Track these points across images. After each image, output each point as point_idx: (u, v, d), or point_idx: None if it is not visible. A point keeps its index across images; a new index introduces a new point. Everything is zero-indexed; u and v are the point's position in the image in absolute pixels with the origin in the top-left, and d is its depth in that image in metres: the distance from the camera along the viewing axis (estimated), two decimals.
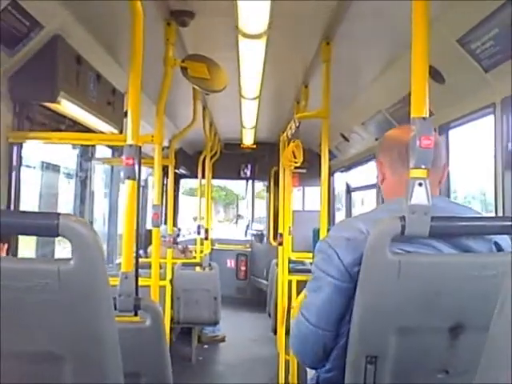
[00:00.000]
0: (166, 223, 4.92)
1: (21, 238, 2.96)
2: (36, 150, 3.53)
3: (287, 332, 3.93)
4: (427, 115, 1.25)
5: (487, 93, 2.52)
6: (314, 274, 1.44)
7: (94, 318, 1.13)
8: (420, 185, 1.23)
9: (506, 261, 1.22)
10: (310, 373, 1.64)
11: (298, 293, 3.52)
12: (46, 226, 1.10)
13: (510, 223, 1.32)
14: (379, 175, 1.56)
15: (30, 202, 3.68)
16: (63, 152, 4.12)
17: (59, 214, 1.09)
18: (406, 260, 1.25)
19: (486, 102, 2.55)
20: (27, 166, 3.18)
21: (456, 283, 1.26)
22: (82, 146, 4.11)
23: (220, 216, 17.03)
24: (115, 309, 1.61)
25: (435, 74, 2.73)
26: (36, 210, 3.86)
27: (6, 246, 2.23)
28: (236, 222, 11.79)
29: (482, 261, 1.27)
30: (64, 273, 1.08)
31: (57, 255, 3.94)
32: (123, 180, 1.87)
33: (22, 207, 2.99)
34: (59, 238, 1.11)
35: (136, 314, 1.66)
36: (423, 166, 1.23)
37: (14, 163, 2.80)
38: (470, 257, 1.32)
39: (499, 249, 1.36)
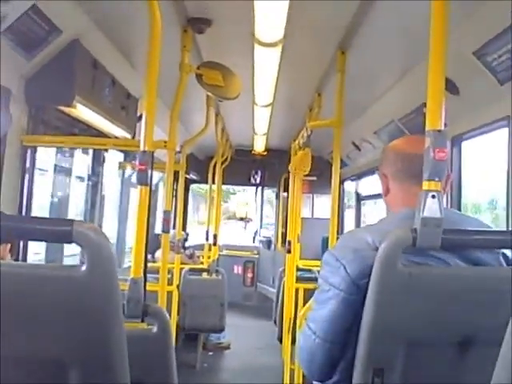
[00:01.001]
0: (174, 228, 4.92)
1: None
2: (49, 153, 3.55)
3: (293, 341, 3.91)
4: (442, 128, 1.25)
5: (502, 105, 2.51)
6: (320, 286, 1.42)
7: (104, 326, 1.13)
8: (433, 197, 1.23)
9: None
10: None
11: (305, 301, 3.51)
12: (59, 232, 1.10)
13: None
14: (383, 187, 1.55)
15: (41, 204, 3.70)
16: (76, 156, 4.15)
17: (73, 221, 1.10)
18: (416, 272, 1.24)
19: (501, 114, 2.54)
20: (40, 169, 3.20)
21: (466, 296, 1.25)
22: (95, 150, 4.13)
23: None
24: (124, 314, 1.61)
25: (450, 86, 2.72)
26: (46, 212, 3.88)
27: (8, 245, 2.24)
28: (244, 227, 11.79)
29: (493, 274, 1.27)
30: (75, 280, 1.09)
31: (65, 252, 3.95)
32: (136, 185, 1.88)
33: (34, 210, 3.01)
34: None
35: (143, 320, 1.66)
36: (437, 179, 1.23)
37: (28, 166, 2.83)
38: (481, 270, 1.31)
39: (507, 261, 1.35)
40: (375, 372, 1.28)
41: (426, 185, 1.23)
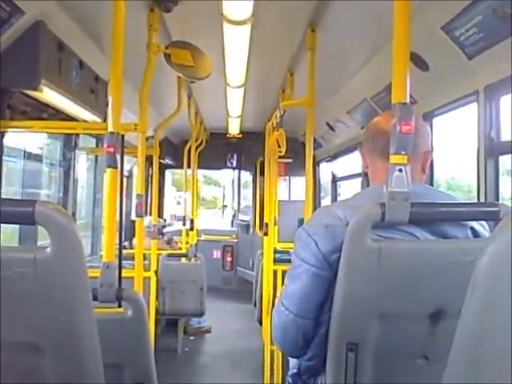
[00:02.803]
0: (150, 214, 4.88)
1: (3, 230, 2.91)
2: (17, 139, 3.47)
3: (272, 318, 3.93)
4: (407, 101, 1.24)
5: (471, 80, 2.53)
6: (293, 262, 1.43)
7: (71, 308, 1.11)
8: (400, 171, 1.23)
9: (485, 247, 1.23)
10: (292, 361, 1.64)
11: (283, 283, 3.52)
12: (21, 213, 1.07)
13: (488, 209, 1.33)
14: (363, 163, 1.56)
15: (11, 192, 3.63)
16: (46, 141, 4.06)
17: (35, 201, 1.07)
18: (386, 247, 1.25)
19: (470, 89, 2.55)
20: (8, 156, 3.13)
21: (436, 269, 1.26)
22: (64, 134, 4.05)
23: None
24: (97, 299, 1.59)
25: (419, 62, 2.73)
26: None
27: None
28: (222, 213, 11.77)
29: (462, 247, 1.27)
30: (40, 261, 1.06)
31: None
32: (105, 169, 1.84)
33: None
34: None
35: (120, 305, 1.65)
36: (403, 152, 1.22)
37: None
38: (450, 243, 1.32)
39: (475, 234, 1.37)
40: (349, 347, 1.29)
41: (392, 158, 1.23)
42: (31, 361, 1.12)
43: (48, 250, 1.06)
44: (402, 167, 1.23)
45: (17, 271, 1.05)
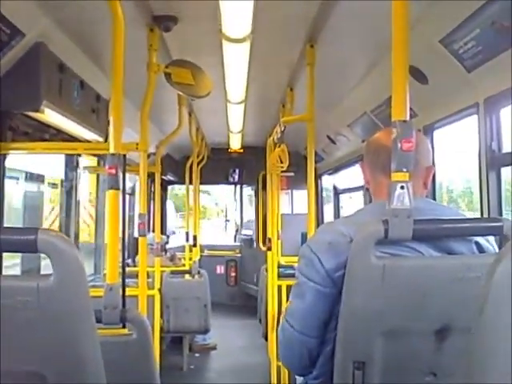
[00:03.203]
0: (153, 231, 4.88)
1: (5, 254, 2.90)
2: (19, 161, 3.48)
3: (277, 336, 3.90)
4: (407, 118, 1.24)
5: (470, 93, 2.53)
6: (297, 279, 1.43)
7: (75, 335, 1.11)
8: (402, 188, 1.22)
9: (490, 262, 1.22)
10: (299, 379, 1.63)
11: (288, 298, 3.50)
12: (23, 242, 1.07)
13: (491, 224, 1.32)
14: (364, 178, 1.56)
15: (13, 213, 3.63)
16: (48, 161, 4.07)
17: (37, 229, 1.07)
18: (390, 264, 1.24)
19: (470, 101, 2.56)
20: (10, 178, 3.13)
21: (441, 286, 1.25)
22: (66, 155, 4.06)
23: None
24: (101, 322, 1.58)
25: (418, 75, 2.74)
26: (20, 220, 3.80)
27: None
28: (225, 228, 11.77)
29: (467, 263, 1.26)
30: (43, 290, 1.06)
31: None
32: (107, 190, 1.84)
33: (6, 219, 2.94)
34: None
35: (124, 326, 1.64)
36: (404, 169, 1.22)
37: None
38: (454, 259, 1.31)
39: (480, 249, 1.36)
40: (355, 365, 1.28)
41: (394, 176, 1.23)
42: None
43: (51, 278, 1.06)
44: (404, 184, 1.22)
45: (20, 300, 1.05)
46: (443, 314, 1.26)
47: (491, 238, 1.40)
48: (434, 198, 3.15)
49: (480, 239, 1.36)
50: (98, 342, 1.14)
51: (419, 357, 1.30)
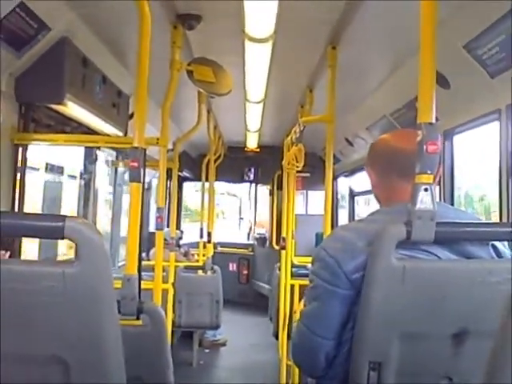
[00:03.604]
0: (168, 226, 4.92)
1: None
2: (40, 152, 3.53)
3: (289, 337, 3.91)
4: (434, 121, 1.25)
5: (493, 99, 2.52)
6: (313, 282, 1.41)
7: (98, 322, 1.13)
8: (426, 190, 1.23)
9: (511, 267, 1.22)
10: (311, 381, 1.63)
11: (301, 297, 3.51)
12: (51, 228, 1.09)
13: None
14: (371, 182, 1.56)
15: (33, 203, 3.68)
16: (68, 153, 4.12)
17: (65, 217, 1.09)
18: (410, 265, 1.25)
19: (492, 107, 2.54)
20: (32, 168, 3.18)
21: (461, 289, 1.25)
22: (86, 147, 4.11)
23: None
24: (119, 312, 1.61)
25: (441, 79, 2.72)
26: (39, 211, 3.86)
27: (8, 253, 2.22)
28: (239, 225, 11.78)
29: (487, 267, 1.27)
30: (69, 276, 1.08)
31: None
32: (128, 183, 1.87)
33: (26, 209, 2.99)
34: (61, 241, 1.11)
35: (138, 318, 1.66)
36: (429, 172, 1.23)
37: (19, 165, 2.81)
38: (475, 263, 1.31)
39: (497, 253, 1.36)
40: (371, 366, 1.28)
41: (418, 178, 1.24)
42: (56, 374, 1.14)
43: (76, 264, 1.08)
44: (428, 186, 1.23)
45: (45, 285, 1.07)
46: (462, 317, 1.27)
47: (506, 243, 1.40)
48: (453, 203, 3.14)
49: (497, 243, 1.37)
50: (120, 330, 1.16)
51: (435, 360, 1.30)
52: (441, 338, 1.27)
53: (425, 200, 1.23)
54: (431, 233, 1.23)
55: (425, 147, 1.22)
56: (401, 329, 1.27)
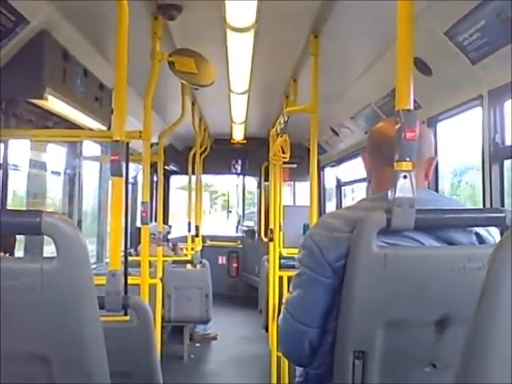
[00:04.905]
0: (156, 220, 4.90)
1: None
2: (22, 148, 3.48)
3: (278, 326, 3.92)
4: (411, 107, 1.24)
5: (475, 85, 2.52)
6: (298, 269, 1.42)
7: (78, 318, 1.12)
8: (405, 177, 1.23)
9: (493, 254, 1.22)
10: (299, 369, 1.64)
11: (289, 289, 3.51)
12: (28, 223, 1.08)
13: (494, 215, 1.33)
14: (365, 169, 1.56)
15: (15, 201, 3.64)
16: (51, 149, 4.07)
17: (42, 212, 1.08)
18: (392, 253, 1.25)
19: (474, 94, 2.55)
20: (14, 165, 3.14)
21: (442, 276, 1.25)
22: (69, 142, 4.06)
23: None
24: (103, 308, 1.59)
25: (422, 67, 2.73)
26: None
27: (7, 255, 2.19)
28: (227, 218, 11.78)
29: (468, 253, 1.27)
30: (47, 272, 1.07)
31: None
32: (110, 177, 1.85)
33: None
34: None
35: (126, 314, 1.65)
36: (408, 159, 1.23)
37: (1, 161, 2.77)
38: (456, 249, 1.31)
39: (480, 240, 1.36)
40: (356, 355, 1.28)
41: (397, 165, 1.23)
42: (37, 371, 1.12)
43: (55, 260, 1.07)
44: (407, 174, 1.23)
45: (24, 282, 1.06)
46: (444, 304, 1.27)
47: (493, 230, 1.39)
48: (437, 190, 3.15)
49: (481, 230, 1.36)
50: (101, 326, 1.15)
51: (419, 347, 1.30)
52: (424, 325, 1.28)
53: (404, 187, 1.22)
54: (411, 220, 1.23)
55: (403, 134, 1.22)
56: (384, 317, 1.27)
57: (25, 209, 3.47)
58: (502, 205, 2.41)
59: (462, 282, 1.24)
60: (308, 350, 1.41)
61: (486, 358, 0.66)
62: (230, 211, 11.72)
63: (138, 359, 1.61)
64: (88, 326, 1.13)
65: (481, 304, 0.68)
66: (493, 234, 1.39)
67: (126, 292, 1.70)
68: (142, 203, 2.96)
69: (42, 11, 2.49)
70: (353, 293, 1.27)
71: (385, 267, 1.23)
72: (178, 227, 7.39)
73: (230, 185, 11.33)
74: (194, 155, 5.76)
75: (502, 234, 1.43)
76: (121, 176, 1.81)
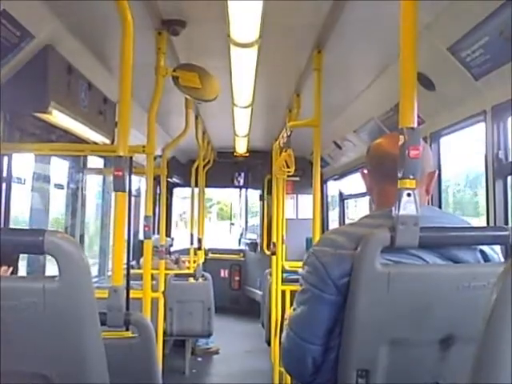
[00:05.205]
0: (158, 233, 4.89)
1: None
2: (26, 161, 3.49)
3: (281, 343, 3.89)
4: (415, 125, 1.24)
5: (478, 100, 2.52)
6: (301, 286, 1.41)
7: (80, 337, 1.11)
8: (408, 195, 1.22)
9: (496, 271, 1.21)
10: None
11: (292, 303, 3.49)
12: (30, 243, 1.08)
13: (498, 233, 1.32)
14: (365, 186, 1.55)
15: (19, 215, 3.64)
16: (54, 162, 4.08)
17: (45, 231, 1.07)
18: (395, 271, 1.24)
19: (477, 109, 2.55)
20: (18, 178, 3.14)
21: (446, 294, 1.24)
22: (73, 156, 4.07)
23: None
24: (105, 324, 1.58)
25: (426, 82, 2.73)
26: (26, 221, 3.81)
27: (10, 269, 2.19)
28: (230, 231, 11.75)
29: (473, 271, 1.26)
30: (49, 291, 1.06)
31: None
32: (113, 192, 1.85)
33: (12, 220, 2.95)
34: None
35: (127, 329, 1.64)
36: (411, 176, 1.22)
37: (4, 175, 2.77)
38: (460, 267, 1.30)
39: (485, 257, 1.35)
40: (359, 373, 1.27)
41: (401, 183, 1.23)
42: None
43: (57, 279, 1.06)
44: (411, 191, 1.22)
45: (25, 301, 1.05)
46: (448, 322, 1.26)
47: (496, 247, 1.39)
48: (440, 205, 3.14)
49: (485, 248, 1.35)
50: (103, 344, 1.14)
51: (423, 366, 1.29)
52: (428, 344, 1.26)
53: (408, 205, 1.22)
54: (415, 238, 1.22)
55: (407, 152, 1.21)
56: (387, 335, 1.25)
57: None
58: (506, 221, 2.40)
59: (467, 301, 1.22)
60: (311, 367, 1.39)
61: (495, 377, 0.66)
62: (233, 224, 11.69)
63: (139, 375, 1.59)
64: (90, 344, 1.12)
65: (490, 322, 0.67)
66: (496, 251, 1.38)
67: (128, 307, 1.69)
68: (145, 217, 2.96)
69: (47, 26, 2.51)
70: (356, 310, 1.25)
71: (388, 285, 1.22)
72: (180, 239, 7.39)
73: (232, 197, 11.32)
74: (197, 168, 5.77)
75: (506, 251, 1.42)
76: (124, 191, 1.81)
